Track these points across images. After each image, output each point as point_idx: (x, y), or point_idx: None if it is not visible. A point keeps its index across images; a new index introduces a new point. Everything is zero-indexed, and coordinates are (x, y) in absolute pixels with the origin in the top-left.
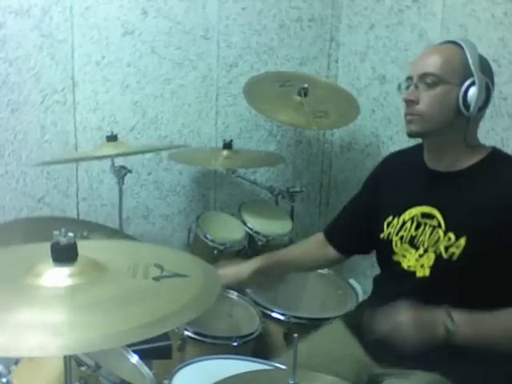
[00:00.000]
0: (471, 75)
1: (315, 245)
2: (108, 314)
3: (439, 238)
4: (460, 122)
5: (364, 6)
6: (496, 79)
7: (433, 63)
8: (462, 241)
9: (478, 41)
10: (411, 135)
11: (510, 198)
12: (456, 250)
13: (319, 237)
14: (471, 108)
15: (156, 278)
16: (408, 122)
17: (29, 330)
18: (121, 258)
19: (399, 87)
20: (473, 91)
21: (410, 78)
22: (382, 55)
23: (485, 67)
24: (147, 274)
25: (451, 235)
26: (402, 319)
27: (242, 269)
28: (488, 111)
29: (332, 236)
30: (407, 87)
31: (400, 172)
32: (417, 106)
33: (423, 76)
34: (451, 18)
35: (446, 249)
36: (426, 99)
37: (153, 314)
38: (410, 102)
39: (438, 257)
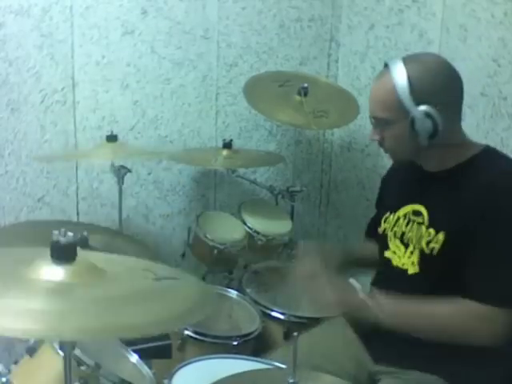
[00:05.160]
0: (408, 109)
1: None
2: (101, 309)
3: (422, 233)
4: (431, 141)
5: (364, 6)
6: (496, 79)
7: (375, 107)
8: (441, 236)
9: (478, 41)
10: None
11: (484, 197)
12: (436, 245)
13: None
14: (421, 139)
15: (157, 279)
16: (388, 155)
17: (15, 315)
18: (113, 262)
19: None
20: (416, 125)
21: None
22: (381, 55)
23: (420, 90)
24: (146, 275)
25: (431, 230)
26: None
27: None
28: (488, 111)
29: (371, 236)
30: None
31: (401, 172)
32: (384, 144)
33: (374, 119)
34: (451, 18)
35: (428, 244)
36: (387, 139)
37: (154, 313)
38: (376, 141)
39: (421, 252)
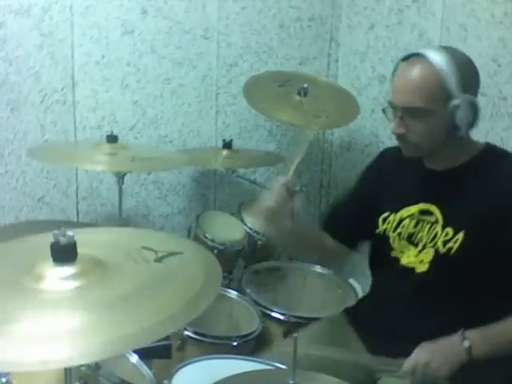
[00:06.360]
0: (453, 97)
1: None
2: (120, 313)
3: (437, 233)
4: (453, 136)
5: (364, 5)
6: (496, 79)
7: (414, 96)
8: (460, 235)
9: (478, 40)
10: (408, 157)
11: (505, 192)
12: (454, 245)
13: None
14: (461, 129)
15: (158, 260)
16: (403, 148)
17: (37, 341)
18: (111, 249)
19: (384, 112)
20: (459, 114)
21: (393, 106)
22: (381, 55)
23: (466, 79)
24: (146, 258)
25: (449, 230)
26: (423, 359)
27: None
28: (488, 111)
29: (331, 229)
30: (393, 113)
31: (399, 169)
32: (407, 137)
33: (407, 109)
34: (451, 17)
35: (444, 244)
36: (415, 130)
37: (170, 304)
38: (399, 134)
39: (436, 252)
